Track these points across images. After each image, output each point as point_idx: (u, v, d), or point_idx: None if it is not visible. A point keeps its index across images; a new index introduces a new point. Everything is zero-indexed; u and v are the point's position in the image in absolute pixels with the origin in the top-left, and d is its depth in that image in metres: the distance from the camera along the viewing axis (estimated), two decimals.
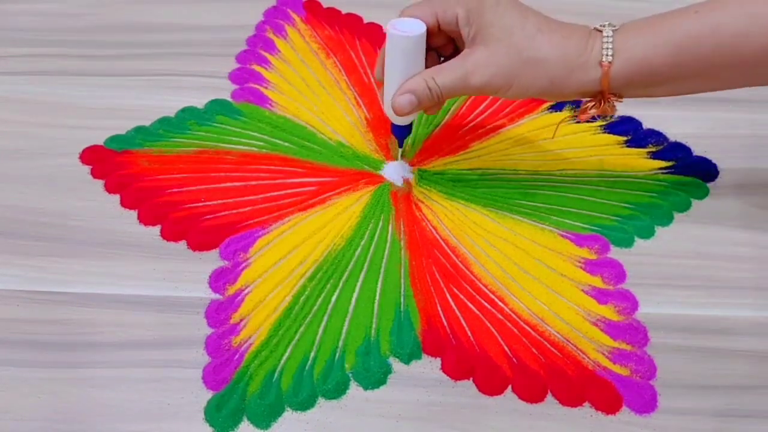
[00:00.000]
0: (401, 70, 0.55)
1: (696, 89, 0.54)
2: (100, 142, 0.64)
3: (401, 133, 0.60)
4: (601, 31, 0.52)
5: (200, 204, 0.59)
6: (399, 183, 0.61)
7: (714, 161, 0.64)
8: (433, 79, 0.53)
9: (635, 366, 0.50)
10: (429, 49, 0.55)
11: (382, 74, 0.56)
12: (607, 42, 0.51)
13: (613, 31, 0.51)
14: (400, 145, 0.61)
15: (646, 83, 0.52)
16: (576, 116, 0.55)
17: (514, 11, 0.52)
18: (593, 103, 0.54)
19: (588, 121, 0.57)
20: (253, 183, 0.61)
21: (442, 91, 0.53)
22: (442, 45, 0.56)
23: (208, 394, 0.48)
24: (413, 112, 0.55)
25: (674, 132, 0.66)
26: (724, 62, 0.51)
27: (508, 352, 0.51)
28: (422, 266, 0.56)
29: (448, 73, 0.53)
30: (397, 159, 0.62)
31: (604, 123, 0.66)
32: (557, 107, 0.67)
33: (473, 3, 0.52)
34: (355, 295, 0.54)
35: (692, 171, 0.63)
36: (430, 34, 0.54)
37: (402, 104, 0.54)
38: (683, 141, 0.66)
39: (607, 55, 0.51)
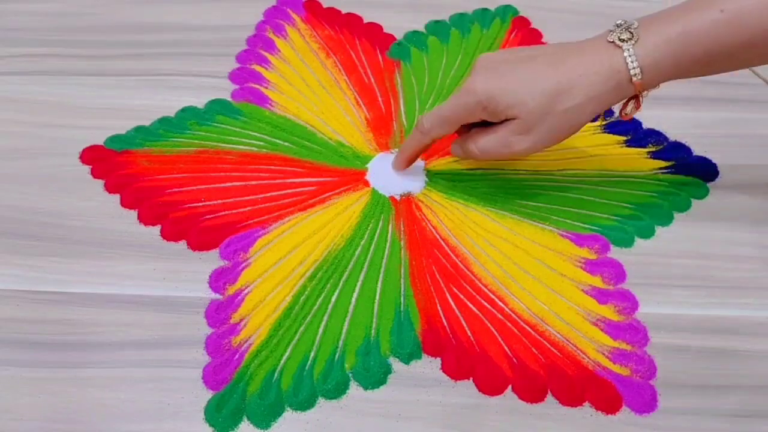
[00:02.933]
0: None
1: (737, 69, 0.54)
2: (100, 142, 0.64)
3: None
4: (620, 47, 0.51)
5: (200, 204, 0.59)
6: (397, 196, 0.61)
7: (714, 161, 0.64)
8: (476, 146, 0.56)
9: (635, 366, 0.50)
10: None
11: (403, 166, 0.61)
12: (632, 61, 0.50)
13: (632, 45, 0.50)
14: None
15: (680, 77, 0.53)
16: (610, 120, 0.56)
17: (527, 82, 0.52)
18: (631, 105, 0.54)
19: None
20: (253, 183, 0.61)
21: (483, 156, 0.56)
22: None
23: (208, 394, 0.48)
24: None
25: (674, 132, 0.66)
26: (758, 51, 0.50)
27: (508, 352, 0.51)
28: (422, 266, 0.56)
29: (489, 140, 0.55)
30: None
31: (604, 123, 0.66)
32: None
33: (489, 102, 0.53)
34: (355, 295, 0.54)
35: (692, 171, 0.63)
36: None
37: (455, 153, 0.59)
38: (683, 141, 0.66)
39: (636, 75, 0.51)
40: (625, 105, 0.54)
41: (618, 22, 0.52)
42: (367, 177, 0.62)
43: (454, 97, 0.55)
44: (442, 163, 0.63)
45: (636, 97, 0.53)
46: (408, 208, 0.60)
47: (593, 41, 0.53)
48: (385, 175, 0.62)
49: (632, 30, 0.51)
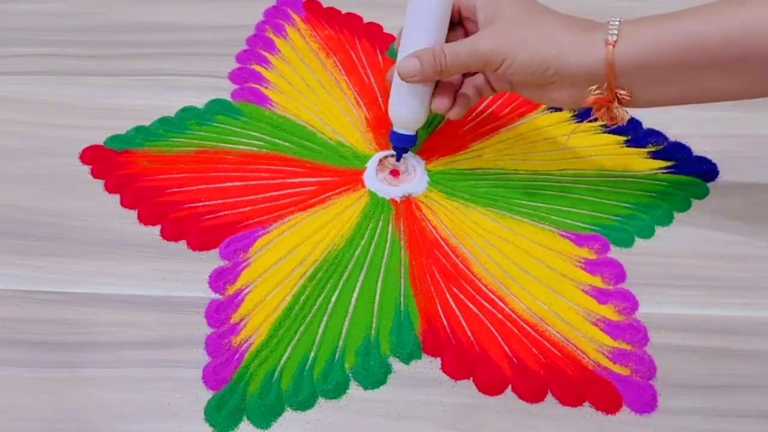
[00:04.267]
0: (417, 35, 0.55)
1: (710, 89, 0.52)
2: (100, 142, 0.64)
3: (401, 141, 0.59)
4: (608, 22, 0.52)
5: (200, 204, 0.59)
6: (397, 198, 0.60)
7: (714, 161, 0.64)
8: (441, 49, 0.53)
9: (635, 366, 0.50)
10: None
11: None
12: (613, 27, 0.51)
13: (619, 21, 0.51)
14: (398, 159, 0.61)
15: (653, 75, 0.51)
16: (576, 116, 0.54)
17: (529, 6, 0.54)
18: (602, 110, 0.53)
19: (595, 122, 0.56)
20: (253, 183, 0.61)
21: (447, 59, 0.53)
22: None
23: (208, 394, 0.48)
24: (417, 81, 0.55)
25: (674, 132, 0.66)
26: (734, 54, 0.49)
27: (508, 352, 0.51)
28: (422, 266, 0.56)
29: (456, 43, 0.54)
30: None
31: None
32: (557, 107, 0.67)
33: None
34: (355, 295, 0.54)
35: (692, 171, 0.63)
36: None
37: (405, 68, 0.54)
38: (683, 141, 0.66)
39: (612, 34, 0.51)
40: (597, 103, 0.53)
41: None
42: (366, 178, 0.61)
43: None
44: (442, 163, 0.63)
45: (609, 98, 0.52)
46: (408, 208, 0.60)
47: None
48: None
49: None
